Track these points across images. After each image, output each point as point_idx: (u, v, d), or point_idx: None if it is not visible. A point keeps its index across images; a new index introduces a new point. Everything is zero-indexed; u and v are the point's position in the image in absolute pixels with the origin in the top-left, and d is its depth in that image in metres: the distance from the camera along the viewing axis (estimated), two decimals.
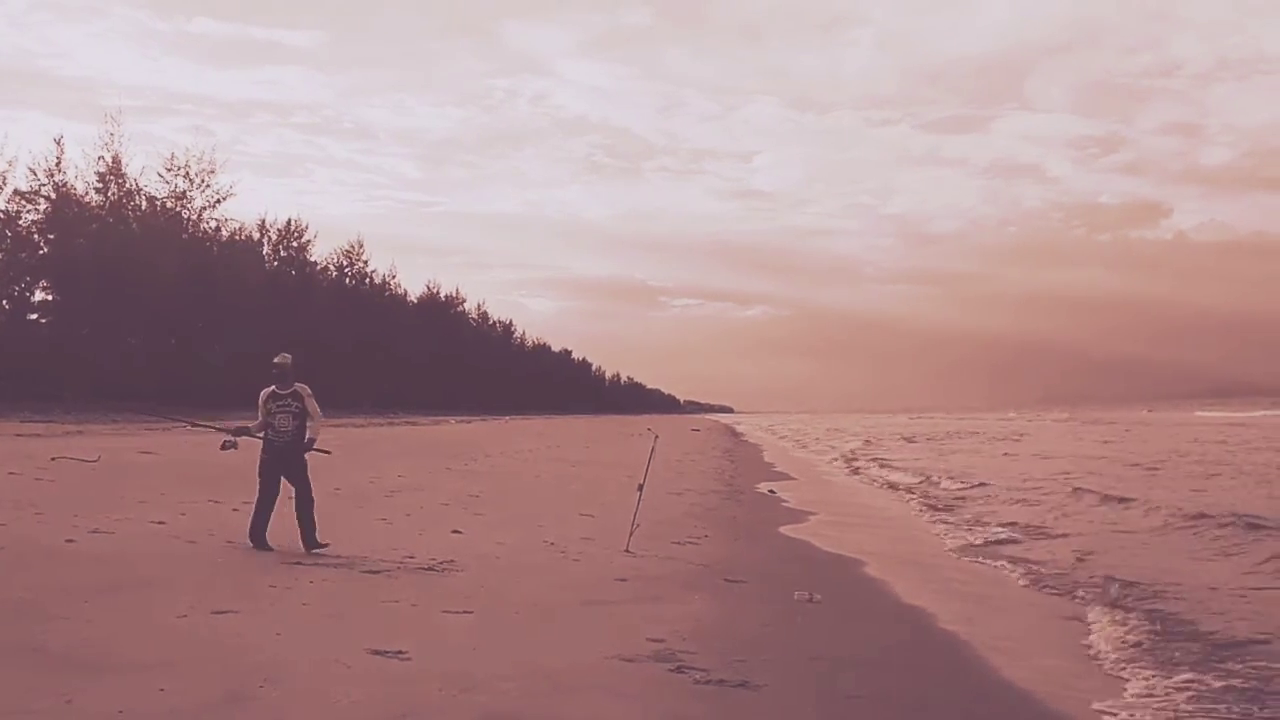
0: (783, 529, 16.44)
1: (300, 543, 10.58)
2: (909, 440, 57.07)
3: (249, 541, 10.55)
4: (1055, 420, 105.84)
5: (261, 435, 10.71)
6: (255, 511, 10.63)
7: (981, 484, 24.50)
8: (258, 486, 10.63)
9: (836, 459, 39.42)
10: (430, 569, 10.23)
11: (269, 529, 10.60)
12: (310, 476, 10.78)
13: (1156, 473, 28.67)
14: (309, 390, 10.76)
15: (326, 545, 10.61)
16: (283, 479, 10.65)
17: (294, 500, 10.65)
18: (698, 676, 6.83)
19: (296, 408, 10.63)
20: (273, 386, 10.65)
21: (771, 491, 23.81)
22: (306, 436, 10.74)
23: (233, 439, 10.95)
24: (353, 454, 26.57)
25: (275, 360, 10.75)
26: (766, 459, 40.12)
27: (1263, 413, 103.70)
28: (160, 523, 11.87)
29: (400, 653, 6.79)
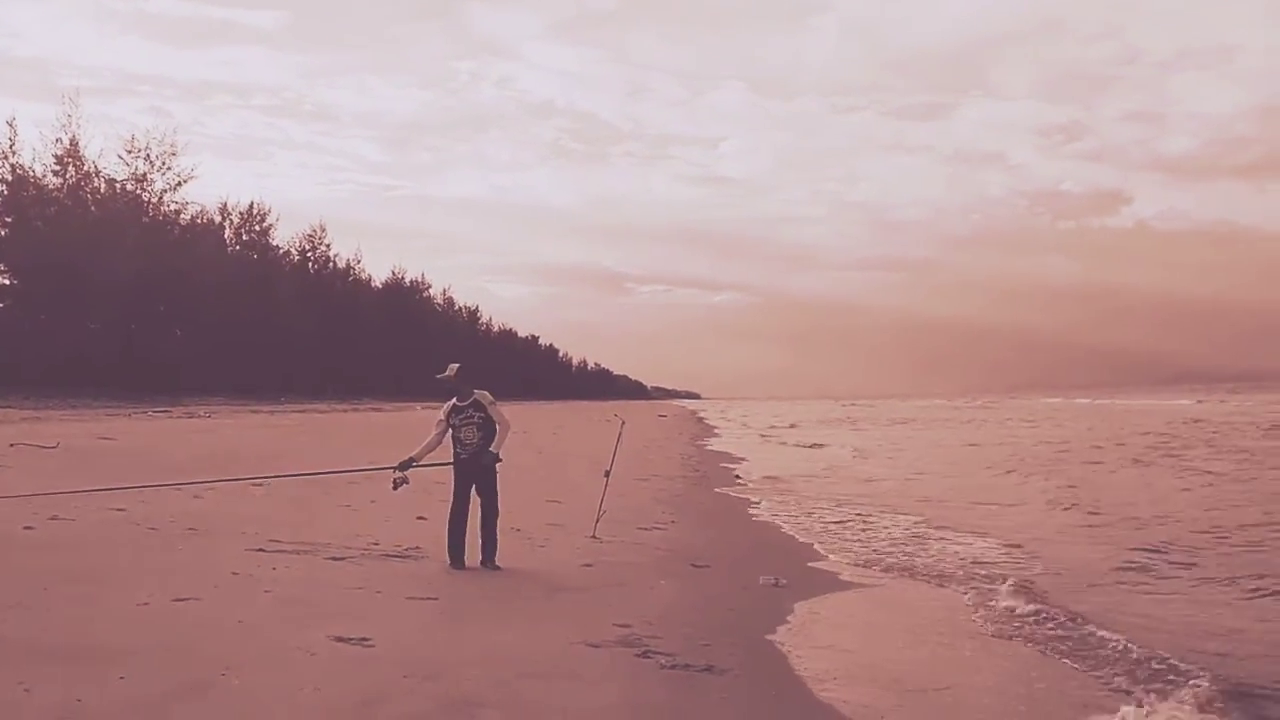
0: (749, 513, 16.53)
1: (479, 553, 10.08)
2: (789, 427, 58.47)
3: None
4: (963, 404, 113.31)
5: (426, 464, 10.10)
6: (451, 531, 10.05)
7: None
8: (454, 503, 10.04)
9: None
10: (395, 555, 10.20)
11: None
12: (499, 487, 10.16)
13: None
14: (490, 397, 10.06)
15: (500, 569, 9.97)
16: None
17: (480, 513, 10.13)
18: (664, 661, 6.86)
19: (480, 417, 9.93)
20: (453, 400, 9.97)
21: (737, 477, 23.92)
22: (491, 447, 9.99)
23: (403, 475, 10.07)
24: (316, 441, 26.36)
25: (440, 376, 10.01)
26: (730, 445, 40.25)
27: (1151, 401, 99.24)
28: (120, 509, 11.71)
29: (364, 640, 6.75)
